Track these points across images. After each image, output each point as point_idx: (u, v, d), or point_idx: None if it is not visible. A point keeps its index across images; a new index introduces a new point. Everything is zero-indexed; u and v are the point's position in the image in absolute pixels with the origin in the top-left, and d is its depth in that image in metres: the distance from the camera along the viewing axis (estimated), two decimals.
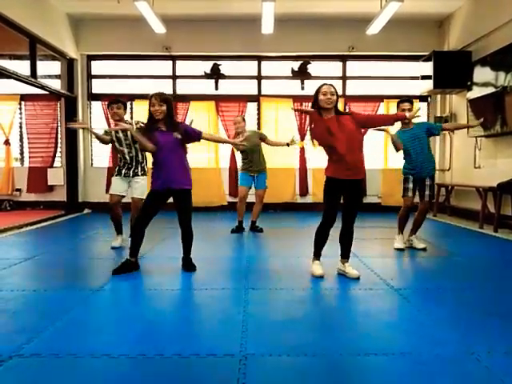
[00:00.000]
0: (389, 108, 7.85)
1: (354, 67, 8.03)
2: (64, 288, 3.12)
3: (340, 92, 7.50)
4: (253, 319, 2.50)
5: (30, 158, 8.16)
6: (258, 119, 7.97)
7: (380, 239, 5.18)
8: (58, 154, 8.12)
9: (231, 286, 3.19)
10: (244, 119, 5.54)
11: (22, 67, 6.21)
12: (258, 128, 7.81)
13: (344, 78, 8.03)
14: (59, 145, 8.08)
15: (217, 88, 7.97)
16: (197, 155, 7.76)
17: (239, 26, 7.49)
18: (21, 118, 8.10)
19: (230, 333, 2.30)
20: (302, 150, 7.92)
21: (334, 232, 3.50)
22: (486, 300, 2.92)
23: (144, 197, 4.23)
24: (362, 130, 3.50)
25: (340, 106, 3.53)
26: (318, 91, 3.28)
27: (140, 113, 7.14)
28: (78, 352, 2.06)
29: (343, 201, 3.42)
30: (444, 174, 7.80)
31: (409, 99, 4.45)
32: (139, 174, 4.46)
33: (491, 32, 6.07)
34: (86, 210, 7.88)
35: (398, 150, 4.38)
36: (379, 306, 2.78)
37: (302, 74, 7.92)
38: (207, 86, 7.98)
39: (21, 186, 8.10)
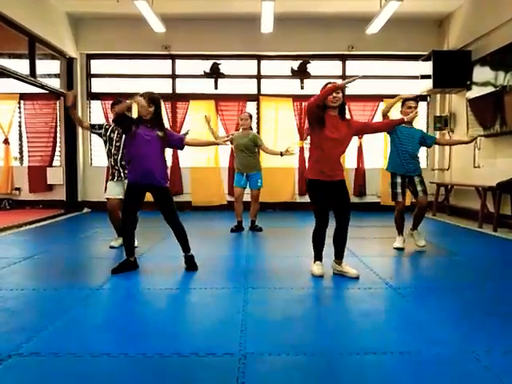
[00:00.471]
0: None
1: (353, 66, 8.03)
2: (63, 287, 3.12)
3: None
4: (252, 318, 2.50)
5: (29, 157, 8.15)
6: (258, 118, 7.96)
7: (379, 238, 5.18)
8: (58, 153, 8.12)
9: (230, 286, 3.19)
10: (251, 116, 5.55)
11: (22, 66, 6.20)
12: (258, 127, 7.81)
13: (344, 77, 8.01)
14: (58, 144, 8.07)
15: (216, 87, 7.97)
16: (196, 155, 7.77)
17: (239, 25, 7.49)
18: (20, 117, 8.09)
19: (230, 332, 2.30)
20: (302, 149, 7.91)
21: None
22: (486, 299, 2.92)
23: None
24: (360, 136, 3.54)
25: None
26: (324, 87, 3.32)
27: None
28: (78, 351, 2.06)
29: (333, 203, 3.41)
30: (443, 173, 7.80)
31: (415, 98, 4.44)
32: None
33: (491, 31, 6.07)
34: (86, 209, 7.88)
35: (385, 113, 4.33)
36: (378, 306, 2.79)
37: (301, 74, 7.92)
38: (207, 86, 7.98)
39: (20, 185, 8.10)
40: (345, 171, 4.09)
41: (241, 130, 5.54)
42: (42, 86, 6.70)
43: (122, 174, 4.38)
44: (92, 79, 8.08)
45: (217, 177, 7.90)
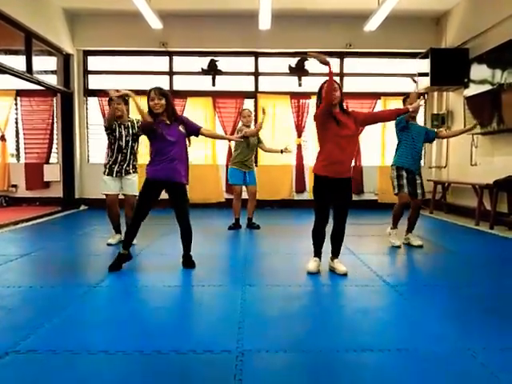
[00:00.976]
0: (386, 105, 7.85)
1: (351, 64, 8.03)
2: (61, 284, 3.12)
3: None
4: (250, 316, 2.50)
5: (25, 154, 8.11)
6: (255, 116, 7.95)
7: (377, 236, 5.19)
8: (54, 150, 8.08)
9: (228, 283, 3.20)
10: (251, 112, 5.58)
11: (18, 62, 6.17)
12: (255, 124, 7.78)
13: (341, 74, 8.02)
14: (55, 141, 8.04)
15: (214, 84, 7.95)
16: (194, 152, 7.75)
17: (236, 21, 7.47)
18: (16, 114, 8.04)
19: (227, 329, 2.30)
20: (299, 146, 7.91)
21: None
22: (482, 297, 2.93)
23: (137, 193, 4.24)
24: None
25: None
26: (321, 88, 3.33)
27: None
28: (75, 348, 2.06)
29: (333, 199, 3.42)
30: (440, 171, 7.82)
31: (418, 94, 4.48)
32: (130, 171, 4.44)
33: (488, 29, 6.08)
34: (83, 207, 7.86)
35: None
36: (375, 303, 2.79)
37: (299, 71, 7.91)
38: (204, 82, 7.96)
39: (17, 182, 8.06)
40: None
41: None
42: (39, 83, 6.66)
43: (123, 170, 4.38)
44: (89, 76, 8.05)
45: (214, 174, 7.89)
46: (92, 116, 8.03)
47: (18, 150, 8.21)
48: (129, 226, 3.64)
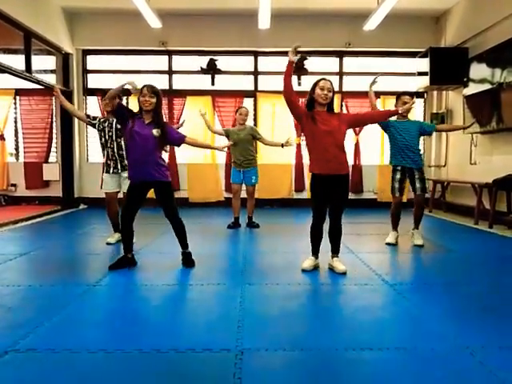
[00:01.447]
0: (385, 104, 7.85)
1: (350, 63, 8.03)
2: (60, 283, 3.11)
3: (337, 88, 7.50)
4: (249, 314, 2.50)
5: (25, 153, 8.11)
6: (255, 115, 7.95)
7: (376, 235, 5.19)
8: (54, 150, 8.08)
9: (227, 282, 3.20)
10: (248, 111, 5.60)
11: (17, 62, 6.16)
12: (255, 123, 7.80)
13: (341, 73, 8.02)
14: (54, 140, 8.03)
15: (213, 83, 7.95)
16: (193, 151, 7.75)
17: (236, 21, 7.46)
18: (16, 113, 8.04)
19: (226, 328, 2.31)
20: (299, 145, 7.91)
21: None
22: (481, 295, 2.93)
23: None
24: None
25: (336, 103, 3.57)
26: (316, 84, 3.36)
27: (136, 108, 7.10)
28: (74, 347, 2.07)
29: (329, 197, 3.42)
30: (440, 170, 7.82)
31: (410, 92, 4.48)
32: (126, 168, 4.34)
33: (488, 28, 6.07)
34: (82, 206, 7.86)
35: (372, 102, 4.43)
36: (374, 302, 2.80)
37: (298, 70, 7.90)
38: (203, 82, 7.95)
39: (16, 182, 8.06)
40: None
41: (237, 125, 5.56)
42: (38, 82, 6.65)
43: (119, 166, 4.39)
44: (88, 75, 8.04)
45: (214, 173, 7.89)
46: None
47: (17, 149, 8.20)
48: (121, 230, 3.64)
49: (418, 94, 7.87)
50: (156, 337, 2.21)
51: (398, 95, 4.47)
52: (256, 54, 7.92)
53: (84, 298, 2.82)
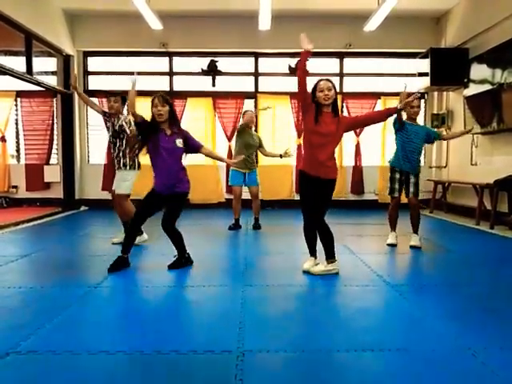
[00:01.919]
0: (386, 105, 7.85)
1: (351, 64, 8.03)
2: (61, 285, 3.12)
3: (337, 89, 7.49)
4: (250, 316, 2.50)
5: (26, 154, 8.11)
6: (255, 116, 7.94)
7: (377, 236, 5.19)
8: (55, 151, 8.08)
9: (229, 283, 3.20)
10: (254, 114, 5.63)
11: (18, 63, 6.17)
12: (256, 125, 7.78)
13: (341, 74, 8.02)
14: (55, 142, 8.04)
15: (214, 85, 7.95)
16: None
17: (236, 22, 7.47)
18: (17, 115, 8.04)
19: (228, 329, 2.30)
20: (299, 147, 7.91)
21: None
22: (482, 296, 2.93)
23: (123, 192, 4.26)
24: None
25: (339, 102, 3.56)
26: (315, 88, 3.33)
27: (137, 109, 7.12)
28: (75, 349, 2.06)
29: (314, 198, 3.41)
30: (441, 170, 7.82)
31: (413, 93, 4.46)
32: (121, 167, 4.32)
33: (488, 29, 6.07)
34: (83, 207, 7.86)
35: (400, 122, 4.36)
36: (376, 303, 2.79)
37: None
38: (204, 83, 7.96)
39: (17, 183, 8.06)
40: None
41: (248, 129, 5.52)
42: (39, 84, 6.66)
43: (117, 164, 4.34)
44: (89, 77, 8.05)
45: (215, 175, 7.89)
46: (92, 117, 8.02)
47: (18, 151, 8.21)
48: (127, 231, 3.64)
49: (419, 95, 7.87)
50: (157, 338, 2.20)
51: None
52: (256, 56, 7.93)
53: (85, 300, 2.82)
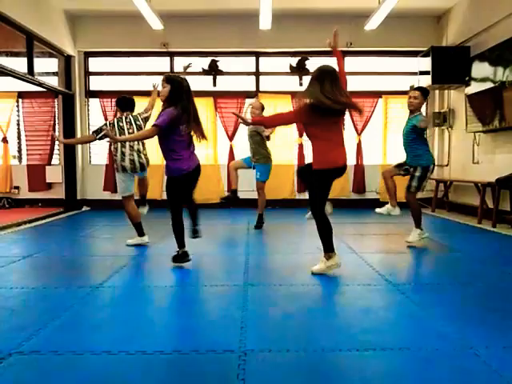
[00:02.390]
0: (387, 103, 7.85)
1: (352, 63, 8.01)
2: (63, 285, 3.12)
3: None
4: (252, 315, 2.50)
5: (28, 155, 8.14)
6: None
7: (379, 235, 5.19)
8: (56, 152, 8.11)
9: (230, 283, 3.19)
10: (263, 107, 5.55)
11: (20, 64, 6.18)
12: None
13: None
14: (57, 142, 8.05)
15: (215, 84, 7.95)
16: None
17: (237, 21, 7.47)
18: (18, 116, 8.07)
19: (230, 329, 2.30)
20: (301, 146, 7.91)
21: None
22: (485, 295, 2.92)
23: (121, 194, 4.32)
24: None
25: None
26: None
27: (139, 110, 7.12)
28: (78, 349, 2.07)
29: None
30: (442, 169, 7.80)
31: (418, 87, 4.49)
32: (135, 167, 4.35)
33: (490, 27, 6.05)
34: (85, 208, 7.87)
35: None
36: (378, 302, 2.79)
37: (300, 70, 7.90)
38: (205, 83, 7.96)
39: (19, 184, 8.08)
40: None
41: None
42: (40, 84, 6.67)
43: (137, 164, 4.31)
44: (90, 77, 8.06)
45: (216, 174, 7.89)
46: (93, 117, 8.04)
47: (19, 151, 8.23)
48: (178, 226, 3.60)
49: None
50: (159, 338, 2.21)
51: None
52: (257, 55, 7.93)
53: (87, 300, 2.82)
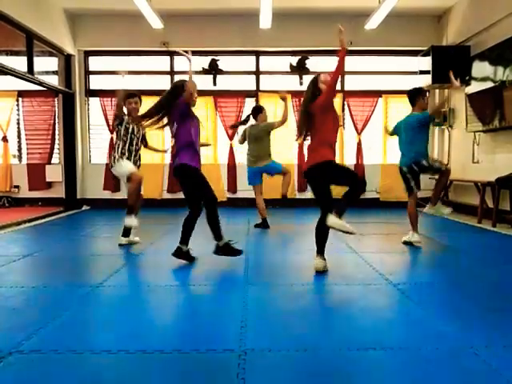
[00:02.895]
0: (387, 103, 7.84)
1: (352, 62, 8.01)
2: (63, 284, 3.12)
3: (338, 87, 7.48)
4: (252, 315, 2.50)
5: (27, 154, 8.13)
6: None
7: (379, 235, 5.19)
8: (56, 151, 8.10)
9: (231, 282, 3.20)
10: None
11: (20, 63, 6.18)
12: None
13: (342, 72, 8.00)
14: (57, 141, 8.06)
15: (215, 83, 7.95)
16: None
17: (237, 21, 7.46)
18: (18, 115, 8.07)
19: (230, 328, 2.30)
20: (301, 145, 7.90)
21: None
22: (484, 295, 2.93)
23: (127, 174, 4.37)
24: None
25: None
26: (317, 80, 3.41)
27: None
28: (78, 348, 2.07)
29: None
30: None
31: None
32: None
33: (490, 26, 6.05)
34: (85, 207, 7.87)
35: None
36: (378, 301, 2.79)
37: (300, 70, 7.90)
38: (205, 82, 7.95)
39: (19, 183, 8.08)
40: None
41: (254, 122, 5.62)
42: (40, 83, 6.67)
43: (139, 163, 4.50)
44: (90, 76, 8.06)
45: (216, 174, 7.88)
46: (93, 116, 8.04)
47: (19, 150, 8.23)
48: (191, 222, 3.67)
49: None
50: (159, 337, 2.21)
51: (421, 91, 4.48)
52: (258, 54, 7.92)
53: (87, 299, 2.83)
